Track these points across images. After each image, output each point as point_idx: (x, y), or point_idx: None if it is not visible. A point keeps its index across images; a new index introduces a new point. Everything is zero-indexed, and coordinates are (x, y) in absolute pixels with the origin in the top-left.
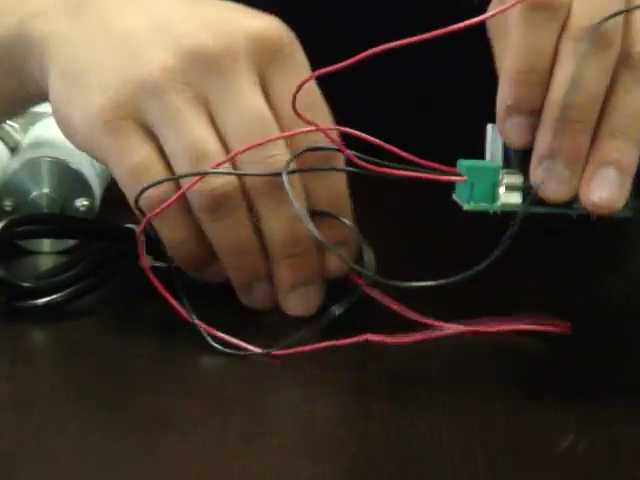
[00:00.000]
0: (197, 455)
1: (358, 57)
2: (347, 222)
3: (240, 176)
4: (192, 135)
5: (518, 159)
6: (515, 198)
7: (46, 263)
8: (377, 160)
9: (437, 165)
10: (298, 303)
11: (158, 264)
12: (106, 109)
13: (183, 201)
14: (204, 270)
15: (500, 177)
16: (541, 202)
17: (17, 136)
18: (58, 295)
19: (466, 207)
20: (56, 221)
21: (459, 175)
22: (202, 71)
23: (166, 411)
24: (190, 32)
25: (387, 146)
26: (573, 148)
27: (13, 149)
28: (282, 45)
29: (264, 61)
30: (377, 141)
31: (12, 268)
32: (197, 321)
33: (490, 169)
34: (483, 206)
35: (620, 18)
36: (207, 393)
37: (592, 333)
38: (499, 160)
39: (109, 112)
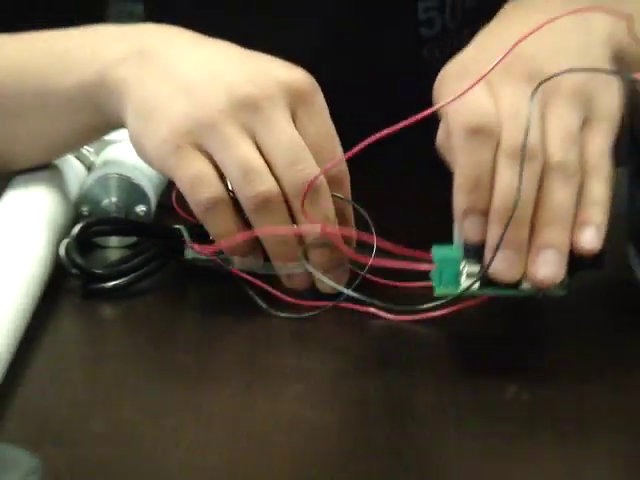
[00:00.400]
0: (228, 402)
1: (360, 146)
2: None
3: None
4: (241, 154)
5: (474, 251)
6: (474, 284)
7: (113, 255)
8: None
9: (414, 252)
10: (327, 282)
11: (199, 256)
12: (172, 137)
13: (231, 201)
14: (244, 260)
15: (462, 267)
16: (494, 284)
17: (92, 158)
18: (122, 280)
19: (436, 292)
20: (121, 223)
21: (433, 262)
22: (247, 112)
23: (205, 368)
24: (238, 82)
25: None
26: (517, 238)
27: (89, 168)
28: (307, 91)
29: (294, 103)
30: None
31: (87, 259)
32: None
33: (454, 260)
34: (450, 290)
35: (539, 135)
36: (236, 354)
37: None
38: (461, 250)
39: (175, 139)
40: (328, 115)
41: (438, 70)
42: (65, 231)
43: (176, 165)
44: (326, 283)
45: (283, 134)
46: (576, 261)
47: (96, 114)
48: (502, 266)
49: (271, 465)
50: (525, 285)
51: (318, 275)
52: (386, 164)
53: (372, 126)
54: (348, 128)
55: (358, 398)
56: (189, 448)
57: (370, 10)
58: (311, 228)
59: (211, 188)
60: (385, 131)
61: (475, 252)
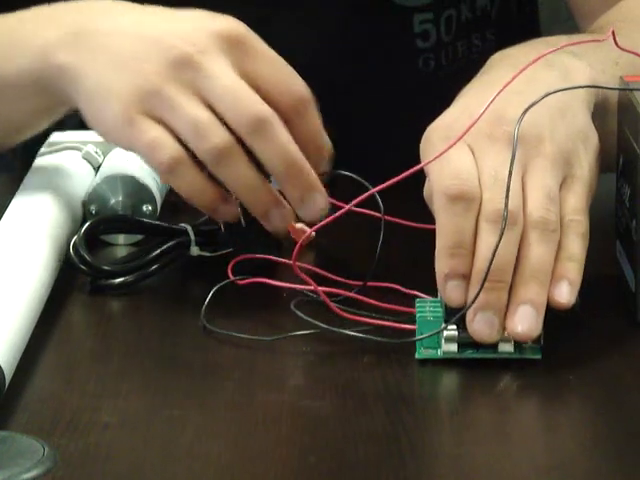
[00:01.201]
0: (230, 393)
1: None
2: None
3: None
4: (188, 112)
5: (455, 313)
6: (453, 347)
7: (120, 252)
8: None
9: (398, 307)
10: (310, 209)
11: (204, 253)
12: (123, 111)
13: (193, 159)
14: (219, 211)
15: (441, 330)
16: (474, 346)
17: (100, 159)
18: (129, 276)
19: (417, 355)
20: (128, 221)
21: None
22: (186, 70)
23: (208, 361)
24: (171, 44)
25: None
26: (497, 300)
27: (96, 168)
28: (240, 36)
29: (230, 50)
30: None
31: (96, 255)
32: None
33: (434, 323)
34: (430, 353)
35: (520, 199)
36: (238, 347)
37: None
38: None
39: (126, 113)
40: (271, 51)
41: (433, 79)
42: (74, 229)
43: (132, 136)
44: (307, 211)
45: (222, 81)
46: (550, 320)
47: (48, 97)
48: (482, 327)
49: (273, 451)
50: (502, 347)
51: (297, 205)
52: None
53: (369, 133)
54: (345, 134)
55: (356, 390)
56: (195, 435)
57: (368, 22)
58: (272, 167)
59: (168, 149)
60: (387, 182)
61: (455, 314)
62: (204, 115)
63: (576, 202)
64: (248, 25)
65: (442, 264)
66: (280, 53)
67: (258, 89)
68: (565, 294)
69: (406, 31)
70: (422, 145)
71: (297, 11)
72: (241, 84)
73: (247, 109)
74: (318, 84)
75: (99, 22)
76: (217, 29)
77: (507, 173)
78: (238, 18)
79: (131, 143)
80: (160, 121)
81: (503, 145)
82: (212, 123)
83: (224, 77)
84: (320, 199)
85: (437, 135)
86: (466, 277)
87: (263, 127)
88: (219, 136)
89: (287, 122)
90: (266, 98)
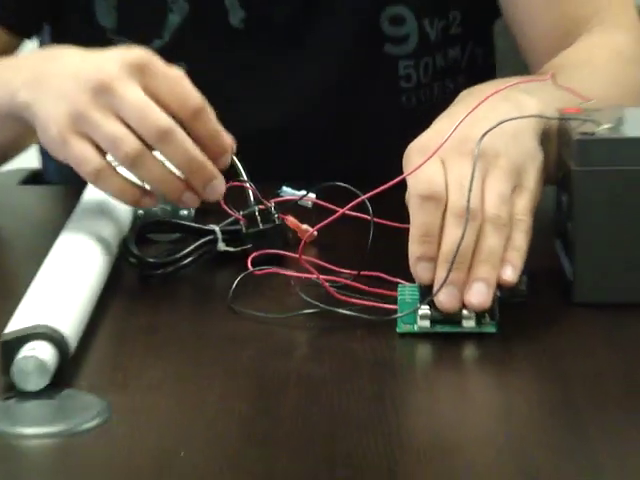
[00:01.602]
0: (249, 361)
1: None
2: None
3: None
4: (107, 129)
5: (428, 293)
6: (426, 323)
7: (162, 248)
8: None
9: (383, 291)
10: (211, 194)
11: (228, 249)
12: (58, 133)
13: (113, 169)
14: (143, 202)
15: (417, 309)
16: (442, 323)
17: None
18: (169, 267)
19: (398, 330)
20: (168, 223)
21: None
22: (102, 95)
23: (231, 334)
24: (90, 74)
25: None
26: (459, 278)
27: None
28: (144, 62)
29: (137, 74)
30: None
31: (143, 250)
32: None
33: (411, 303)
34: (408, 328)
35: (479, 200)
36: (256, 324)
37: None
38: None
39: (60, 134)
40: (169, 70)
41: (413, 114)
42: (125, 230)
43: (65, 151)
44: (209, 195)
45: (132, 101)
46: (504, 301)
47: (20, 125)
48: (446, 299)
49: (283, 407)
50: (466, 323)
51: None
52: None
53: (361, 153)
54: (341, 154)
55: (350, 357)
56: (220, 395)
57: (361, 66)
58: (177, 165)
59: (92, 161)
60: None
61: (429, 294)
62: (119, 129)
63: (523, 205)
64: (255, 67)
65: (414, 249)
66: (283, 89)
67: (162, 103)
68: (510, 275)
69: (392, 74)
70: (404, 160)
71: (299, 55)
72: (147, 102)
73: (153, 122)
74: (317, 114)
75: (48, 67)
76: (126, 59)
77: (470, 180)
78: (247, 61)
79: (66, 157)
80: (87, 138)
81: (468, 159)
82: (125, 135)
83: (133, 97)
84: (218, 185)
85: (415, 151)
86: (433, 260)
87: (166, 136)
88: (131, 145)
89: (188, 127)
90: (168, 110)
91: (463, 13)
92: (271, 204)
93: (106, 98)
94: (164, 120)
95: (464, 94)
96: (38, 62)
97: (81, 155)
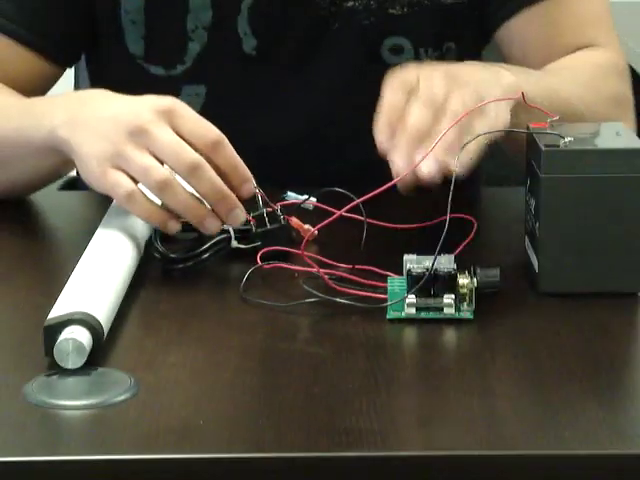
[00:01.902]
0: (259, 342)
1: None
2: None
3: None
4: (142, 163)
5: (414, 285)
6: (412, 310)
7: (183, 246)
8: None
9: (376, 283)
10: (232, 220)
11: (241, 246)
12: (100, 167)
13: (145, 196)
14: (169, 227)
15: (405, 298)
16: (426, 311)
17: None
18: (189, 262)
19: (388, 316)
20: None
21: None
22: (138, 136)
23: (242, 319)
24: (126, 118)
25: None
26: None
27: None
28: (173, 108)
29: (168, 118)
30: None
31: (166, 247)
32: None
33: (400, 293)
34: (397, 315)
35: (444, 89)
36: (264, 310)
37: None
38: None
39: (100, 168)
40: (193, 113)
41: None
42: (151, 229)
43: (104, 183)
44: (230, 221)
45: (164, 140)
46: (480, 291)
47: (59, 157)
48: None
49: (289, 384)
50: (447, 310)
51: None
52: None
53: (362, 159)
54: (335, 175)
55: (346, 340)
56: (234, 372)
57: (365, 77)
58: (204, 196)
59: (125, 186)
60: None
61: (415, 286)
62: (150, 160)
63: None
64: (265, 90)
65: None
66: (291, 109)
67: (187, 141)
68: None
69: None
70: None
71: (306, 80)
72: (178, 140)
73: (184, 158)
74: (320, 131)
75: (85, 109)
76: (157, 105)
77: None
78: (258, 84)
79: (103, 187)
80: (122, 170)
81: (441, 75)
82: (155, 164)
83: (166, 137)
84: (239, 213)
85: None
86: (391, 128)
87: (195, 170)
88: (160, 173)
89: (209, 159)
90: (192, 146)
91: (457, 44)
92: (277, 207)
93: (142, 139)
94: (194, 156)
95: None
96: (74, 103)
97: (116, 181)
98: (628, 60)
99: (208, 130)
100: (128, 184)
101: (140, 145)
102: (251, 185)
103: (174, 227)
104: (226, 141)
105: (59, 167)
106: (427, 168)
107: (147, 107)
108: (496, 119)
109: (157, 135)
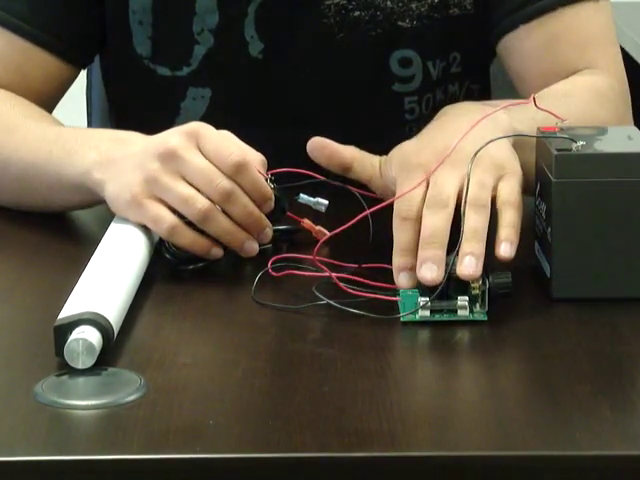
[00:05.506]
0: (269, 344)
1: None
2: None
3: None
4: (178, 191)
5: (429, 291)
6: (426, 313)
7: None
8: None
9: (384, 284)
10: (262, 239)
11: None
12: (133, 197)
13: (185, 224)
14: (212, 254)
15: (418, 300)
16: (440, 312)
17: None
18: (200, 263)
19: (402, 318)
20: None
21: (399, 294)
22: (170, 162)
23: (252, 320)
24: (158, 147)
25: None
26: (435, 254)
27: None
28: (198, 131)
29: (194, 141)
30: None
31: (177, 248)
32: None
33: (414, 295)
34: (410, 317)
35: (454, 187)
36: (273, 313)
37: None
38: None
39: (135, 198)
40: (217, 135)
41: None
42: None
43: (141, 214)
44: (261, 240)
45: (196, 166)
46: (492, 292)
47: (89, 194)
48: (426, 273)
49: (299, 383)
50: (460, 312)
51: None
52: None
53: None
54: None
55: (356, 341)
56: (244, 373)
57: (372, 102)
58: (238, 220)
59: (167, 221)
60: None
61: (427, 289)
62: (188, 190)
63: (511, 186)
64: (271, 93)
65: (395, 261)
66: (296, 113)
67: (212, 162)
68: (506, 250)
69: (398, 108)
70: (388, 158)
71: (312, 79)
72: (210, 166)
73: (218, 186)
74: (329, 131)
75: (117, 149)
76: (183, 129)
77: (450, 188)
78: (264, 87)
79: (141, 218)
80: (159, 200)
81: (447, 165)
82: (195, 195)
83: (198, 163)
84: (268, 232)
85: (397, 156)
86: (412, 270)
87: (229, 197)
88: (202, 203)
89: (233, 179)
90: (216, 166)
91: (462, 54)
92: (268, 176)
93: (174, 164)
94: (227, 183)
95: (447, 109)
96: (106, 144)
97: (157, 215)
98: (636, 57)
99: (230, 151)
100: (170, 218)
101: (173, 171)
102: (272, 203)
103: (218, 253)
104: (248, 162)
105: (88, 203)
106: (468, 271)
107: (174, 131)
108: (520, 176)
109: (189, 160)
